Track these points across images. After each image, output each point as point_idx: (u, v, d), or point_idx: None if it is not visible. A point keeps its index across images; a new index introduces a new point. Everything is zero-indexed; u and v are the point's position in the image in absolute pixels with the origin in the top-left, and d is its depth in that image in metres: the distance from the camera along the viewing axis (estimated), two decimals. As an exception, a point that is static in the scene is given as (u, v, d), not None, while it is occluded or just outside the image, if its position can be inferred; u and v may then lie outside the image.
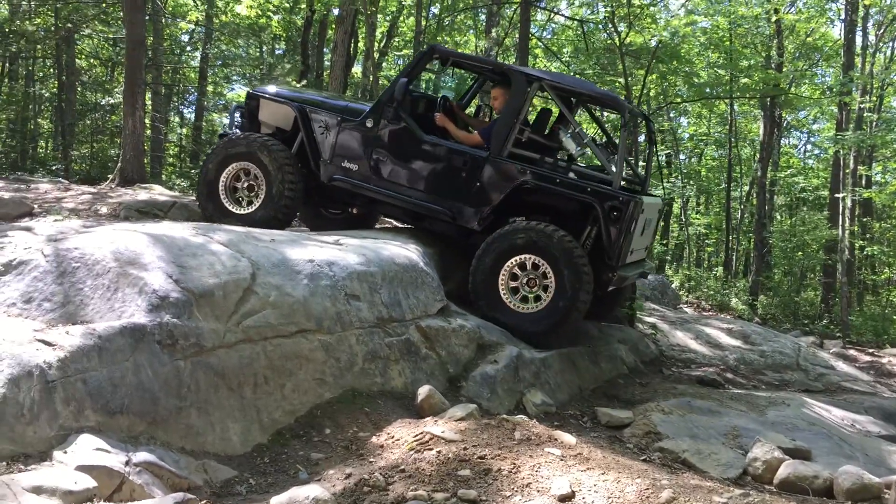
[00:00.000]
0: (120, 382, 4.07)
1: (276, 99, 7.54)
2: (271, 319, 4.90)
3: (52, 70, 21.82)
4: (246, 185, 7.22)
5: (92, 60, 22.58)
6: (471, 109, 8.46)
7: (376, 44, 18.26)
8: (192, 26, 22.62)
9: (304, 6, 20.04)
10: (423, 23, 16.57)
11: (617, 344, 7.53)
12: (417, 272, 6.09)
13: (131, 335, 4.28)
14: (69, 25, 18.66)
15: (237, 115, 7.89)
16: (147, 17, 14.51)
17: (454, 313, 6.23)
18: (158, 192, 9.91)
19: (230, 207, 7.23)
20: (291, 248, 5.58)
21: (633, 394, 6.67)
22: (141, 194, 9.40)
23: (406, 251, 6.24)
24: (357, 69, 21.50)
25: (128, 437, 3.97)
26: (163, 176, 18.72)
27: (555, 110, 7.86)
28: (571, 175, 6.82)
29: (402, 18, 21.84)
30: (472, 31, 21.76)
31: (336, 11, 19.42)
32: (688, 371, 7.95)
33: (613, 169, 6.71)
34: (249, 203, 7.22)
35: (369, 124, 7.04)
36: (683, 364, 8.22)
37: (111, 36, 20.97)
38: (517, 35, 18.57)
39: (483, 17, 20.76)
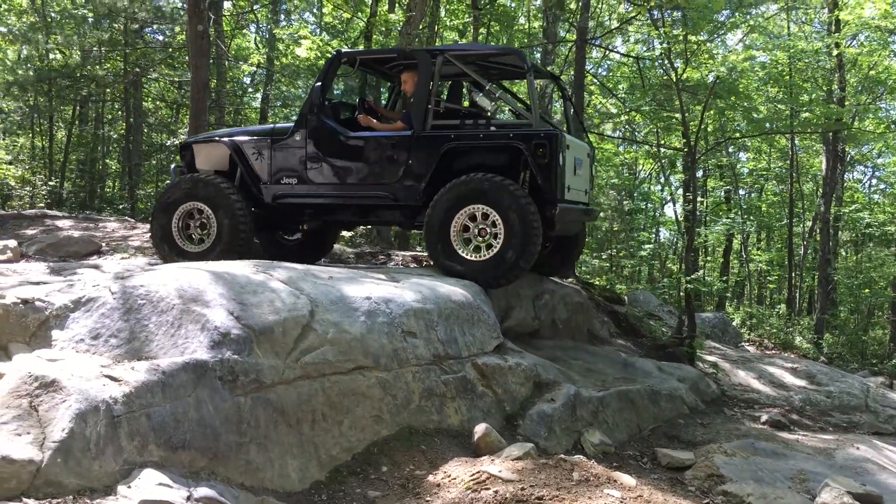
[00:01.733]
0: (182, 418, 4.14)
1: (209, 140, 7.91)
2: (329, 356, 4.94)
3: (120, 112, 22.64)
4: (198, 223, 7.46)
5: (158, 103, 23.36)
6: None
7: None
8: (254, 69, 23.24)
9: (362, 47, 20.51)
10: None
11: (677, 383, 7.39)
12: (473, 309, 6.09)
13: (194, 371, 4.36)
14: (137, 69, 19.38)
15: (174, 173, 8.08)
16: (211, 61, 14.97)
17: (510, 351, 6.20)
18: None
19: (184, 247, 7.48)
20: (349, 286, 5.64)
21: (695, 434, 6.52)
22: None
23: (462, 288, 6.25)
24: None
25: (189, 472, 4.02)
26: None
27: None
28: (493, 129, 7.11)
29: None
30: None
31: (393, 52, 19.83)
32: (751, 411, 7.75)
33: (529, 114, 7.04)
34: (201, 241, 7.46)
35: (298, 137, 7.37)
36: (746, 404, 8.01)
37: (176, 79, 21.68)
38: (572, 72, 18.65)
39: (537, 55, 20.93)
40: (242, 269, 5.55)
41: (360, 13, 20.99)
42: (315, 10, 23.88)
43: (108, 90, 20.57)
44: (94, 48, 19.24)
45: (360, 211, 7.50)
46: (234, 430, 4.34)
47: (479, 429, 5.06)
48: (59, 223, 10.33)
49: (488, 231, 6.66)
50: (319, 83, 7.34)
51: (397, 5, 19.54)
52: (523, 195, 6.55)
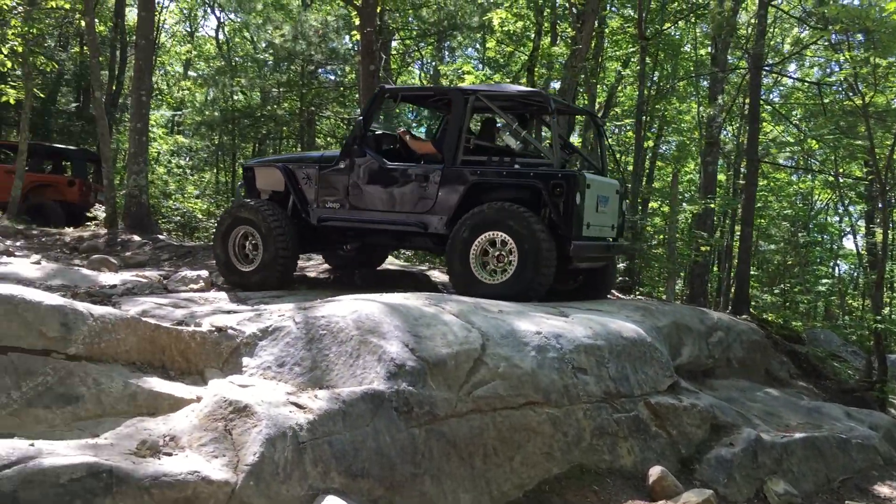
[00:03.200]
0: (361, 446, 4.26)
1: (266, 164, 8.52)
2: (500, 390, 4.95)
3: (295, 149, 23.94)
4: (252, 245, 8.07)
5: (329, 139, 24.53)
6: None
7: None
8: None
9: (524, 81, 20.68)
10: (646, 92, 16.45)
11: (868, 430, 6.86)
12: (646, 346, 5.94)
13: (371, 401, 4.48)
14: (312, 108, 20.44)
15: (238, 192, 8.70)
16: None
17: (685, 390, 5.99)
18: (390, 263, 10.45)
19: (239, 267, 8.12)
20: (519, 320, 5.64)
21: (891, 488, 6.01)
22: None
23: (634, 325, 6.12)
24: (574, 139, 21.70)
25: (368, 500, 4.13)
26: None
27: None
28: (517, 167, 7.40)
29: (619, 88, 21.86)
30: (692, 97, 21.32)
31: (556, 84, 19.87)
32: (954, 465, 7.06)
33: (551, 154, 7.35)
34: (252, 261, 8.06)
35: (342, 165, 7.88)
36: (948, 457, 7.31)
37: (346, 116, 22.70)
38: (742, 99, 17.96)
39: (705, 83, 20.32)
40: (415, 301, 5.69)
41: (522, 47, 21.24)
42: (478, 46, 24.37)
43: (284, 128, 21.81)
44: (274, 89, 20.48)
45: (396, 236, 7.95)
46: (410, 460, 4.41)
47: (654, 471, 4.90)
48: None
49: (505, 257, 6.97)
50: (363, 118, 7.87)
51: (559, 38, 19.63)
52: (538, 224, 6.85)
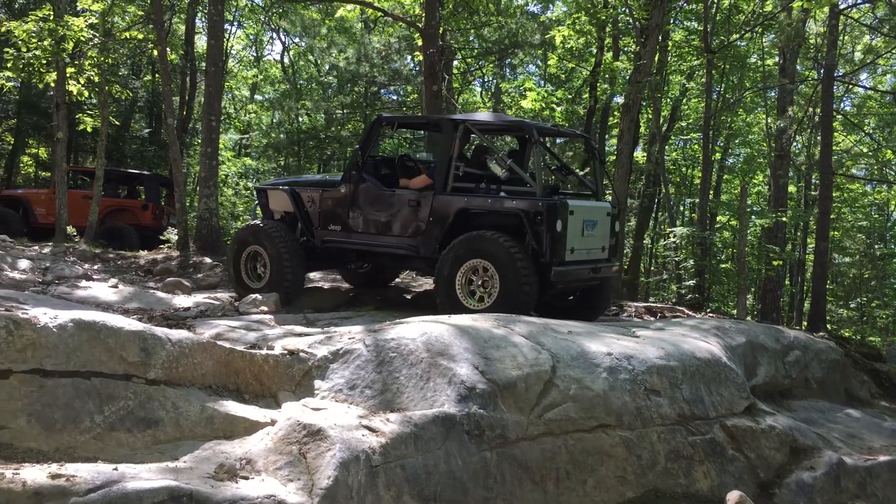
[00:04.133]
0: (433, 470, 4.26)
1: (274, 187, 8.88)
2: (572, 413, 4.90)
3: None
4: (261, 264, 8.45)
5: (392, 157, 24.76)
6: None
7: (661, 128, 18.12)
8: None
9: (586, 96, 20.58)
10: (713, 104, 16.20)
11: (958, 453, 6.55)
12: (720, 367, 5.80)
13: (443, 424, 4.48)
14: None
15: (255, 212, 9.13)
16: (443, 118, 15.62)
17: (762, 412, 5.82)
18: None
19: (249, 284, 8.52)
20: (589, 341, 5.58)
21: (984, 515, 5.73)
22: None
23: (707, 344, 5.99)
24: (637, 153, 21.47)
25: (440, 524, 4.12)
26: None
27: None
28: (502, 194, 7.58)
29: (683, 101, 21.57)
30: (759, 108, 20.90)
31: (618, 99, 19.72)
32: None
33: (533, 181, 7.52)
34: (260, 278, 8.46)
35: (343, 189, 8.21)
36: None
37: (409, 136, 22.89)
38: (812, 110, 17.52)
39: (773, 93, 19.90)
40: (484, 322, 5.67)
41: (583, 63, 21.15)
42: (539, 62, 24.35)
43: (349, 149, 22.10)
44: (338, 111, 20.80)
45: (393, 258, 8.25)
46: (482, 484, 4.39)
47: (733, 496, 4.77)
48: (311, 275, 11.14)
49: (489, 283, 7.20)
50: (359, 147, 8.21)
51: (622, 53, 19.49)
52: (517, 252, 7.05)
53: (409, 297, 9.54)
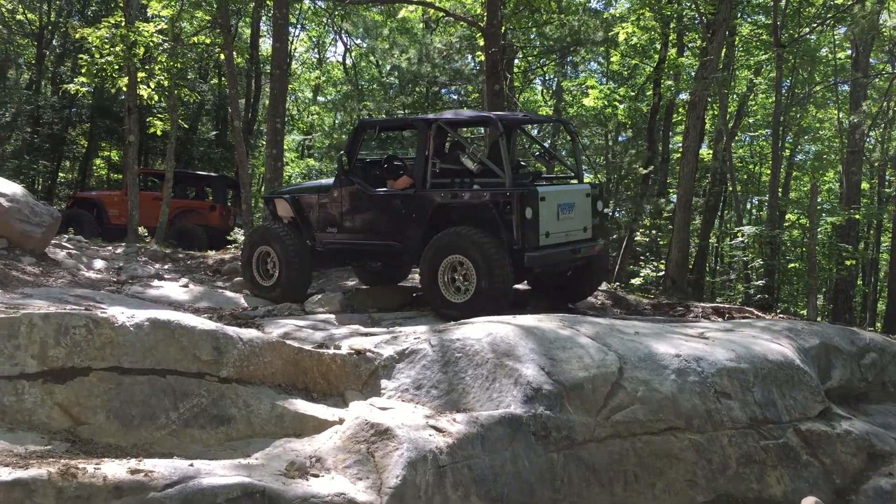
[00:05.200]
0: (500, 471, 4.26)
1: (279, 195, 9.21)
2: (640, 415, 4.83)
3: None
4: (272, 263, 8.72)
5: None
6: None
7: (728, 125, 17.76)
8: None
9: (649, 93, 20.30)
10: (783, 100, 15.81)
11: None
12: (793, 370, 5.64)
13: (509, 425, 4.47)
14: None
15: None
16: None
17: (837, 416, 5.64)
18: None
19: (261, 282, 8.81)
20: (656, 342, 5.50)
21: None
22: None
23: (779, 346, 5.84)
24: (703, 150, 21.08)
25: (508, 525, 4.12)
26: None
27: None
28: (476, 187, 7.89)
29: (751, 97, 21.09)
30: (831, 103, 20.31)
31: (683, 95, 19.40)
32: None
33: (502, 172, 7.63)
34: (271, 277, 8.73)
35: (335, 193, 8.48)
36: None
37: (469, 135, 22.86)
38: (886, 105, 16.96)
39: (845, 87, 19.33)
40: (549, 323, 5.64)
41: (647, 59, 20.87)
42: (601, 60, 24.10)
43: (411, 149, 22.20)
44: (399, 111, 20.91)
45: (385, 256, 8.50)
46: (549, 486, 4.37)
47: (808, 502, 4.65)
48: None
49: (469, 276, 7.41)
50: (344, 151, 8.51)
51: (686, 49, 19.16)
52: (488, 245, 7.29)
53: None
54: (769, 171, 17.11)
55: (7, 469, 3.33)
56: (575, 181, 8.74)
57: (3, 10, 21.97)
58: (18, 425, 3.96)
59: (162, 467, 3.57)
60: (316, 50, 30.97)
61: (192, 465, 3.66)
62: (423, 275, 7.69)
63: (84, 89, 16.31)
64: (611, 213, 21.11)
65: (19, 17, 23.25)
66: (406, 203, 8.02)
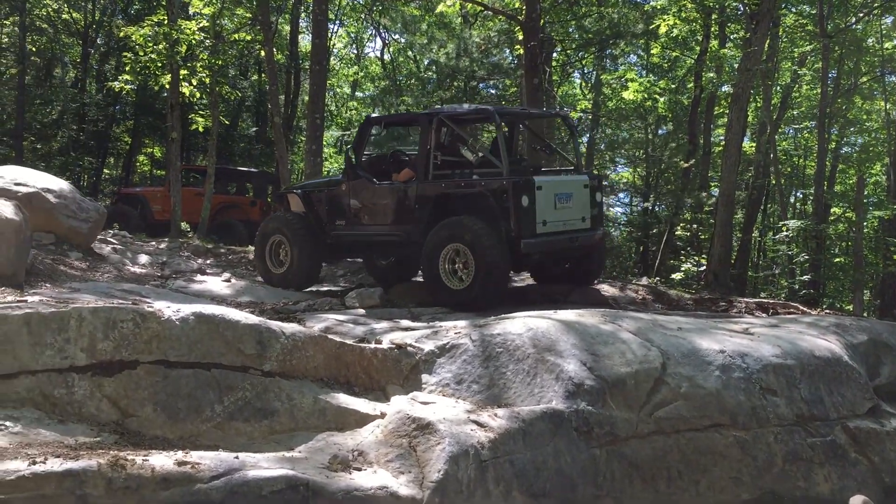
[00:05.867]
0: (542, 466, 4.25)
1: (291, 191, 9.52)
2: (683, 411, 4.79)
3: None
4: (284, 251, 8.97)
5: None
6: None
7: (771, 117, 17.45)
8: (581, 114, 23.72)
9: (690, 85, 20.02)
10: (828, 91, 15.50)
11: None
12: (841, 366, 5.54)
13: (551, 420, 4.46)
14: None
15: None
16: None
17: (886, 414, 5.53)
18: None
19: (273, 269, 9.06)
20: (700, 338, 5.44)
21: None
22: (541, 278, 9.88)
23: (827, 342, 5.73)
24: (745, 143, 20.75)
25: (550, 521, 4.10)
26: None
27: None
28: (475, 178, 8.01)
29: (794, 88, 20.70)
30: (877, 94, 19.84)
31: (725, 87, 19.10)
32: None
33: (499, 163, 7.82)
34: (282, 264, 8.98)
35: (343, 187, 8.71)
36: None
37: (506, 129, 22.78)
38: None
39: (891, 78, 18.89)
40: (591, 318, 5.60)
41: (687, 51, 20.58)
42: (641, 52, 23.84)
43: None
44: (437, 106, 20.88)
45: (391, 247, 8.67)
46: (591, 482, 4.35)
47: (857, 501, 4.55)
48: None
49: (469, 264, 7.56)
50: (352, 146, 8.85)
51: (728, 40, 18.86)
52: (486, 233, 7.47)
53: (512, 291, 9.49)
54: (814, 164, 16.81)
55: (59, 460, 3.41)
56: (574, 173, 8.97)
57: (49, 9, 22.40)
58: (69, 417, 4.05)
59: (208, 459, 3.62)
60: (354, 45, 31.06)
61: (237, 457, 3.71)
62: (425, 264, 7.89)
63: (128, 87, 16.55)
64: (650, 208, 20.90)
65: (65, 16, 23.69)
66: (409, 194, 8.30)
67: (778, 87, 19.66)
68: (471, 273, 7.59)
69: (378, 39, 29.15)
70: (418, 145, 8.60)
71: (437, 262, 7.77)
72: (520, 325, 5.29)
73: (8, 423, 3.79)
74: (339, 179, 8.95)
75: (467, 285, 7.61)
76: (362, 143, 8.94)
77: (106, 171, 26.15)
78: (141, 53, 14.20)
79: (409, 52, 25.70)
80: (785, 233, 12.78)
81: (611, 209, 28.68)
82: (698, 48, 19.04)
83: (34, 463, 3.35)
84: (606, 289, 9.45)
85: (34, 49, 23.13)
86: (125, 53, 15.83)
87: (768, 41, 13.86)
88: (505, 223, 7.60)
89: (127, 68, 14.88)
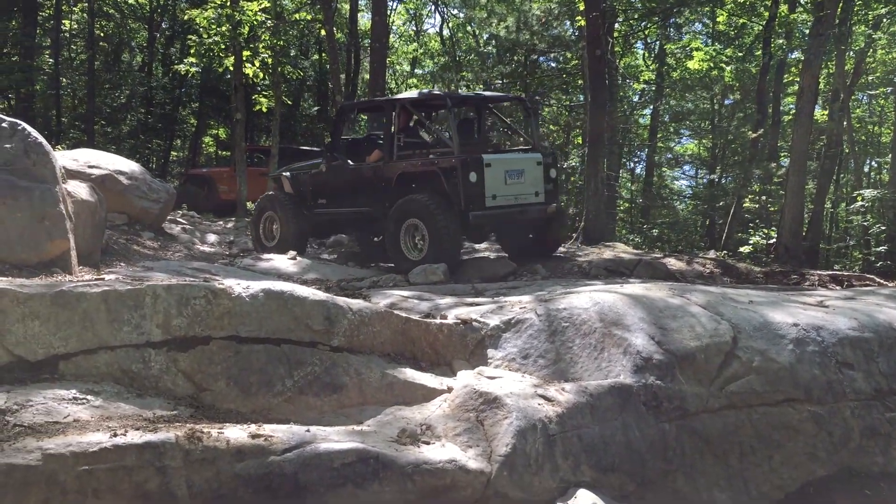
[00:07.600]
0: (610, 440, 4.21)
1: (283, 174, 10.32)
2: (755, 386, 4.69)
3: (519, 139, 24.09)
4: (275, 227, 9.83)
5: (551, 126, 24.49)
6: None
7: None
8: (644, 86, 23.27)
9: (758, 53, 19.43)
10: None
11: None
12: (921, 340, 5.35)
13: (619, 395, 4.42)
14: (536, 97, 20.50)
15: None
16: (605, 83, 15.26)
17: (970, 389, 5.33)
18: (622, 251, 10.26)
19: (266, 243, 9.89)
20: (772, 311, 5.31)
21: None
22: (606, 252, 9.81)
23: (907, 315, 5.54)
24: (817, 112, 20.07)
25: (619, 495, 4.08)
26: (616, 232, 19.39)
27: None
28: (431, 157, 8.80)
29: (868, 53, 19.89)
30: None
31: (794, 54, 18.50)
32: None
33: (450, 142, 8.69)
34: (274, 239, 9.80)
35: (323, 168, 9.64)
36: None
37: (567, 102, 22.55)
38: None
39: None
40: (658, 292, 5.52)
41: (755, 17, 19.95)
42: (706, 21, 23.21)
43: (509, 119, 22.04)
44: (498, 81, 20.77)
45: (364, 223, 9.43)
46: (660, 456, 4.30)
47: (938, 478, 4.42)
48: (477, 245, 11.25)
49: (425, 237, 8.37)
50: (333, 129, 9.91)
51: (798, 5, 18.22)
52: (436, 207, 8.27)
53: (575, 267, 9.43)
54: (890, 131, 16.18)
55: (138, 432, 3.51)
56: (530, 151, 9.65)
57: (117, -5, 22.90)
58: (146, 391, 4.17)
59: (280, 432, 3.69)
60: (413, 22, 31.01)
61: (308, 430, 3.77)
62: (388, 236, 8.70)
63: (193, 69, 16.86)
64: (717, 180, 20.43)
65: (131, 1, 24.20)
66: (376, 174, 9.09)
67: (851, 53, 18.92)
68: (426, 244, 8.39)
69: (437, 15, 28.97)
70: (384, 127, 9.41)
71: (399, 235, 8.58)
72: (586, 300, 5.23)
73: (89, 397, 3.92)
74: (320, 162, 9.83)
75: (423, 255, 8.39)
76: (339, 128, 10.07)
77: (173, 152, 26.76)
78: (205, 36, 14.45)
79: (469, 27, 25.55)
80: (860, 203, 12.36)
81: (675, 182, 28.15)
82: (767, 14, 18.43)
83: (115, 435, 3.46)
84: (673, 262, 9.31)
85: (102, 34, 23.73)
86: (189, 36, 16.09)
87: (841, 4, 13.32)
88: (455, 198, 8.34)
89: (192, 51, 15.16)
